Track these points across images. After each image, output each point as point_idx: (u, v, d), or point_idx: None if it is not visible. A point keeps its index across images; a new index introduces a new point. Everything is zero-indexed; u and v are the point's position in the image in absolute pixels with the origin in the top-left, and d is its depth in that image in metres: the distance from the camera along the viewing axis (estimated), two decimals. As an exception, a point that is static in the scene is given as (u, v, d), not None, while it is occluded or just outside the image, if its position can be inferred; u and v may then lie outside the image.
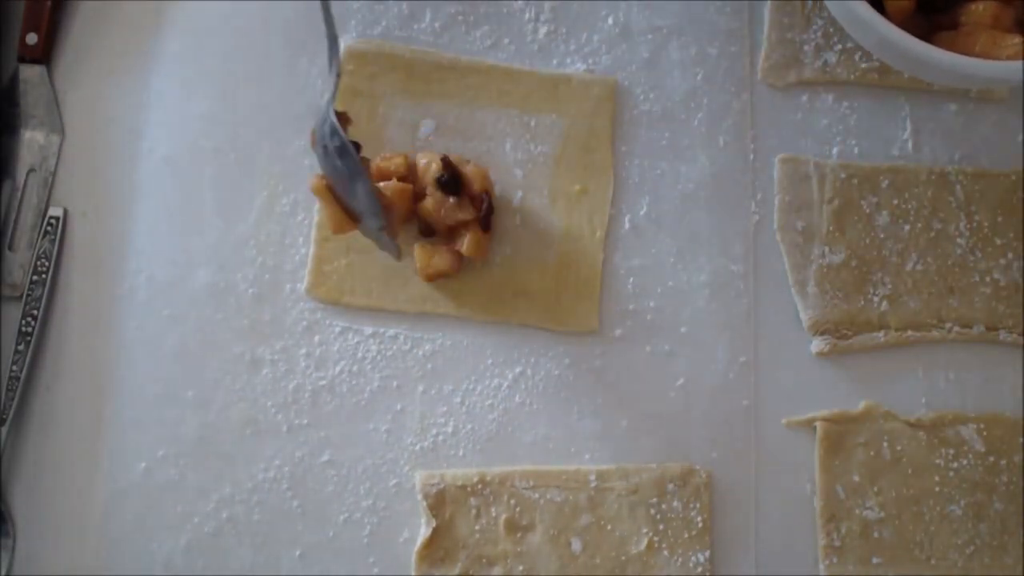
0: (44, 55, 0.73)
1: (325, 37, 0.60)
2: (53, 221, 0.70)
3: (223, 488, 0.67)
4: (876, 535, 0.68)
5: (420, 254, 0.69)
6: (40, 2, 0.73)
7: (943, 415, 0.70)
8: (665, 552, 0.66)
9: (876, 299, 0.71)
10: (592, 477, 0.67)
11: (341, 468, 0.68)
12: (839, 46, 0.74)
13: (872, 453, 0.69)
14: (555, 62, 0.74)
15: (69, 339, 0.69)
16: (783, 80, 0.74)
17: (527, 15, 0.74)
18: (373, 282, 0.70)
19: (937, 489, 0.68)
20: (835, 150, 0.74)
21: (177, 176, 0.72)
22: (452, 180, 0.67)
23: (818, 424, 0.69)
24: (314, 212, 0.71)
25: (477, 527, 0.66)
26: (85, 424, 0.68)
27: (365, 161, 0.62)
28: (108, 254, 0.71)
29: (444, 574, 0.66)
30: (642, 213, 0.72)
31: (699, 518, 0.67)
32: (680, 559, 0.66)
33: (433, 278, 0.69)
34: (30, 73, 0.73)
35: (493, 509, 0.67)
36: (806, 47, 0.74)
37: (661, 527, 0.67)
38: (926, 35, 0.65)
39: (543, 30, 0.74)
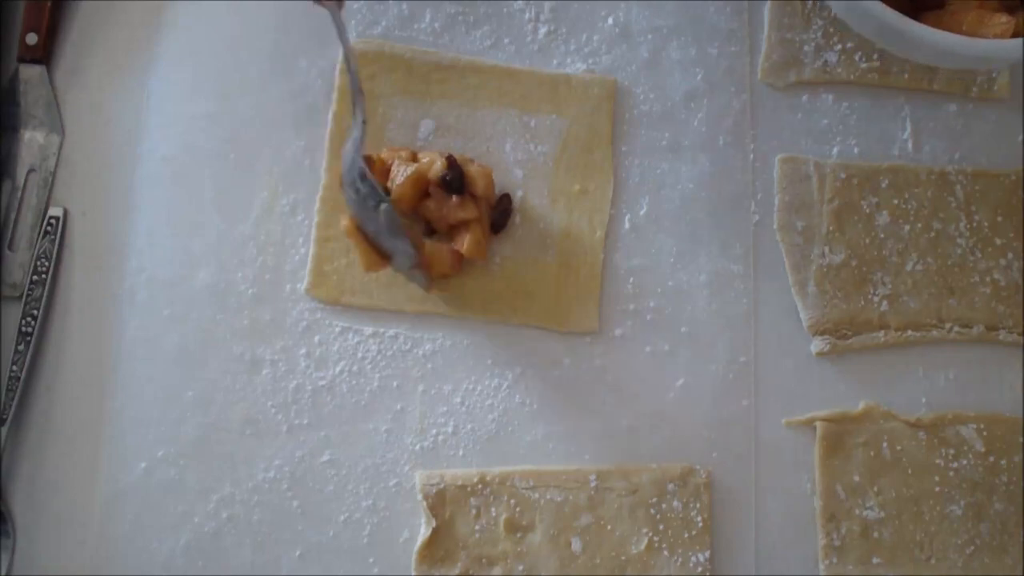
0: (44, 55, 0.73)
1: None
2: (53, 221, 0.70)
3: (223, 488, 0.67)
4: (876, 535, 0.68)
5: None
6: (40, 2, 0.73)
7: (943, 415, 0.70)
8: (665, 552, 0.66)
9: (876, 299, 0.71)
10: (592, 477, 0.67)
11: (341, 468, 0.68)
12: (839, 46, 0.74)
13: (872, 453, 0.69)
14: (555, 62, 0.74)
15: (69, 339, 0.69)
16: (783, 80, 0.74)
17: (527, 15, 0.74)
18: (373, 282, 0.70)
19: (937, 489, 0.68)
20: (835, 150, 0.74)
21: (177, 176, 0.72)
22: (457, 179, 0.67)
23: (818, 424, 0.69)
24: (314, 212, 0.71)
25: (477, 527, 0.66)
26: (85, 424, 0.68)
27: (401, 215, 0.64)
28: (108, 254, 0.71)
29: (444, 574, 0.66)
30: (642, 213, 0.72)
31: (699, 518, 0.67)
32: (680, 559, 0.66)
33: (433, 278, 0.69)
34: (30, 73, 0.73)
35: (493, 509, 0.66)
36: (806, 47, 0.74)
37: (661, 527, 0.67)
38: (914, 14, 0.65)
39: (543, 30, 0.74)
